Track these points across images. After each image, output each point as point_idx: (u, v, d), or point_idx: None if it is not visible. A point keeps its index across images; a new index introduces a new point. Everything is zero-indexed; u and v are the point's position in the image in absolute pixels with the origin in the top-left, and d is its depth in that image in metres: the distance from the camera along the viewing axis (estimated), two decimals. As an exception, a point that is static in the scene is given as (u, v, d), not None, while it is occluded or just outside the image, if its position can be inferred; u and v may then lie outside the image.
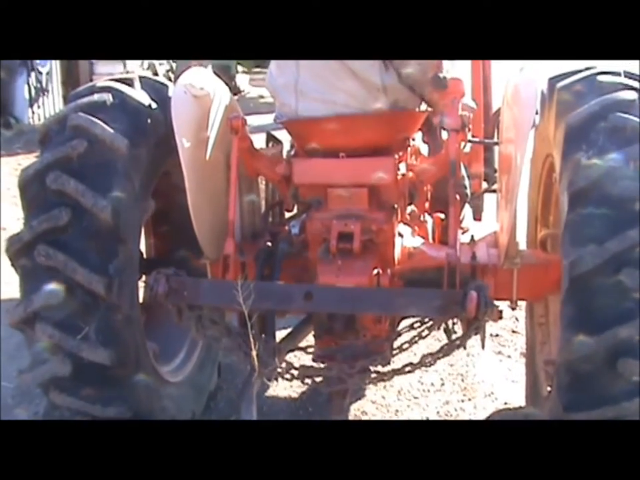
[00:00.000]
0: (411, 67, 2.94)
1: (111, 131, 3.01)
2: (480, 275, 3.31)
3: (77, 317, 2.92)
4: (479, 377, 4.28)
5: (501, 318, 2.97)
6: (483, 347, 3.52)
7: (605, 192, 2.63)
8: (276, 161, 3.25)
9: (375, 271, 3.06)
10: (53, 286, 2.89)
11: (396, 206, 3.20)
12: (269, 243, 3.30)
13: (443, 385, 4.21)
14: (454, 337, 2.84)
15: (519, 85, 3.07)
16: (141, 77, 3.38)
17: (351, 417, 3.91)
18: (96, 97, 3.16)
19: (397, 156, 3.13)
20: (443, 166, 3.18)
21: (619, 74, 2.94)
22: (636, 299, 2.55)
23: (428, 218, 3.65)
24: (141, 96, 3.21)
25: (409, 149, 3.23)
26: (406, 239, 3.39)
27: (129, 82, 3.31)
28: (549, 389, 3.30)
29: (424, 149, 3.57)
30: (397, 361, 2.92)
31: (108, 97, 3.15)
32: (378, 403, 4.04)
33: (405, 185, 3.19)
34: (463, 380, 4.26)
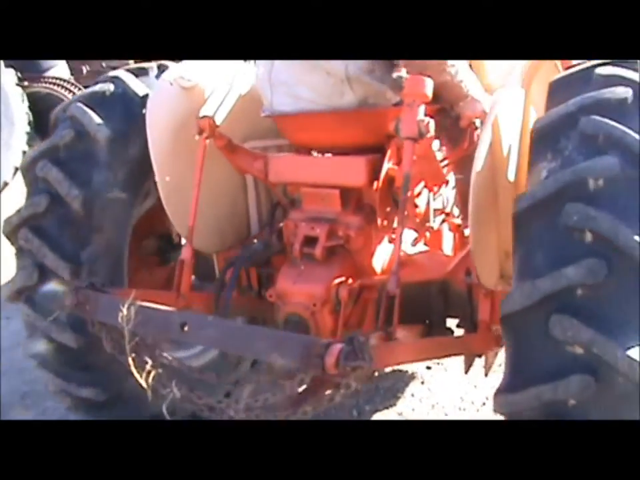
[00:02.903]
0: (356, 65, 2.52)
1: (97, 122, 2.94)
2: (475, 294, 2.78)
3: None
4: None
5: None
6: (485, 374, 2.97)
7: (552, 215, 2.01)
8: (257, 158, 2.95)
9: (337, 281, 2.67)
10: (29, 268, 2.93)
11: (378, 210, 2.75)
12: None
13: (484, 404, 3.64)
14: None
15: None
16: (160, 66, 3.26)
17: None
18: (98, 87, 3.11)
19: (374, 156, 2.68)
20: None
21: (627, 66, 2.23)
22: (566, 354, 1.95)
23: (443, 225, 3.13)
24: (142, 88, 3.09)
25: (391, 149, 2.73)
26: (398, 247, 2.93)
27: (142, 72, 3.21)
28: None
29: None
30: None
31: (109, 88, 3.08)
32: (404, 415, 3.60)
33: (386, 187, 2.72)
34: (509, 403, 3.63)
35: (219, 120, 3.03)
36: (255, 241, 3.11)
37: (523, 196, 2.10)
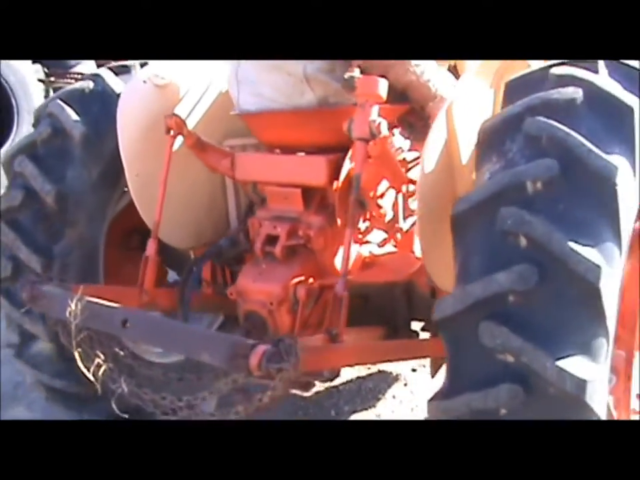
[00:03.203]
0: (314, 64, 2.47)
1: (73, 119, 2.96)
2: (438, 296, 2.69)
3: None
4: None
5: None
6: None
7: (488, 218, 1.93)
8: (225, 155, 2.91)
9: (296, 281, 2.62)
10: (5, 261, 2.95)
11: (339, 210, 2.68)
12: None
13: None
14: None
15: None
16: (143, 64, 3.24)
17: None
18: (79, 84, 3.14)
19: (336, 155, 2.61)
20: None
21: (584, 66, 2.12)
22: (496, 362, 1.86)
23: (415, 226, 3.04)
24: (121, 86, 3.08)
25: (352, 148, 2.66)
26: (365, 248, 2.86)
27: (124, 70, 3.21)
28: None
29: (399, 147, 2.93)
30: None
31: (88, 85, 3.10)
32: (382, 417, 3.53)
33: (347, 187, 2.64)
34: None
35: (193, 118, 3.02)
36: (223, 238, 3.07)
37: (461, 199, 2.02)
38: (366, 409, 3.59)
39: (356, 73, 2.41)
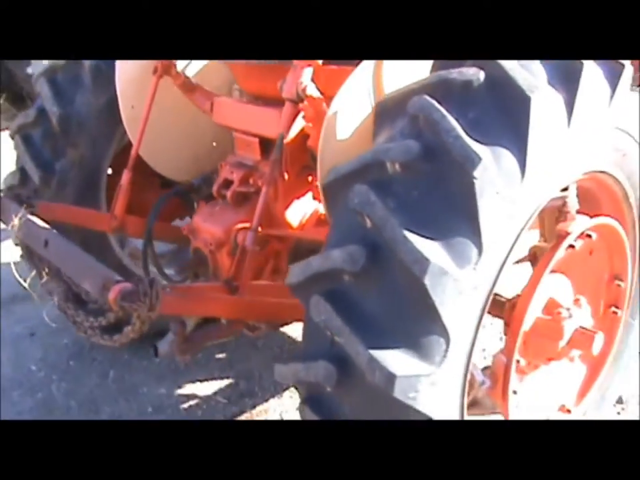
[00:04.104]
0: None
1: (88, 48, 3.09)
2: None
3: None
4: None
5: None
6: None
7: (346, 193, 1.82)
8: (208, 97, 2.92)
9: (239, 226, 2.63)
10: (16, 170, 3.21)
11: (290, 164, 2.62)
12: None
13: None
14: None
15: None
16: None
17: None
18: (103, 16, 3.24)
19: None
20: None
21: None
22: (324, 338, 1.80)
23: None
24: (139, 19, 3.17)
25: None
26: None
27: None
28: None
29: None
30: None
31: (112, 19, 3.20)
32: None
33: (300, 143, 2.58)
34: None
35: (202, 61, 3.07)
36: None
37: (331, 169, 1.92)
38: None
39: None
